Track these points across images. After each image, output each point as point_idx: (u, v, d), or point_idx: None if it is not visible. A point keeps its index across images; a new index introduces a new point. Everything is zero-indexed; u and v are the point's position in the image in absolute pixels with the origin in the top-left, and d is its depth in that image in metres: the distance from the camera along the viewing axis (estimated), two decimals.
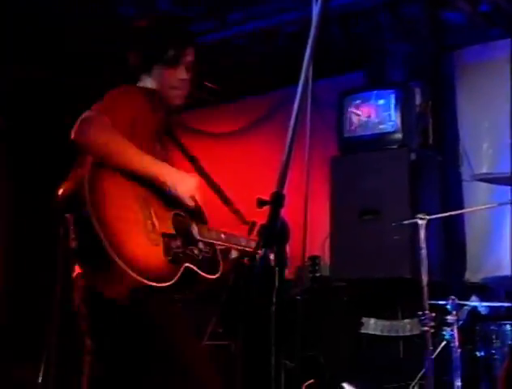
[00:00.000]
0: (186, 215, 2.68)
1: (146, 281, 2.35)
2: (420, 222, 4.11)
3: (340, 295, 5.34)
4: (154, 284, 2.38)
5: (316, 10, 1.98)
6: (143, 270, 2.37)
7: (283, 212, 1.88)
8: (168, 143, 2.85)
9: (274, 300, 1.84)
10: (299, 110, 1.99)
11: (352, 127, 5.55)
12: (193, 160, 2.95)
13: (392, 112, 5.39)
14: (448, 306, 4.05)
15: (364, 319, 5.25)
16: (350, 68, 6.08)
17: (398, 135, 5.40)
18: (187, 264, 2.56)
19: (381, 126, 5.46)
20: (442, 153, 5.76)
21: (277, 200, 1.81)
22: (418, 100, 5.61)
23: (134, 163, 2.50)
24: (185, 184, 2.62)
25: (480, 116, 5.80)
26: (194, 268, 2.58)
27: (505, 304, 4.44)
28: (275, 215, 1.80)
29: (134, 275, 2.33)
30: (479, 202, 5.22)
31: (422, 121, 5.68)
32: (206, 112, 6.97)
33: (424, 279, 4.00)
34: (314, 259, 5.47)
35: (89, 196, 2.35)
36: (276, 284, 1.87)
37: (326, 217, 5.56)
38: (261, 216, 1.91)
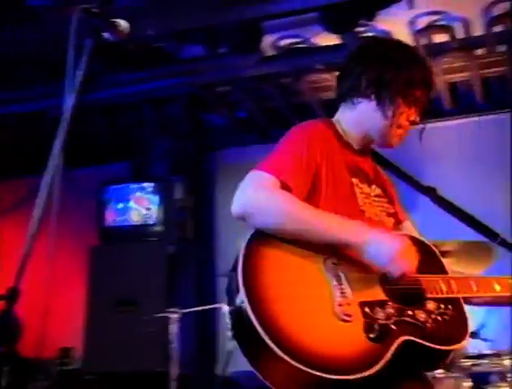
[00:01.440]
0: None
1: (325, 375, 1.75)
2: (172, 316, 4.15)
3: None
4: (339, 377, 1.77)
5: (69, 101, 1.98)
6: (320, 359, 1.78)
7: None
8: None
9: None
10: (45, 200, 1.94)
11: (113, 217, 5.55)
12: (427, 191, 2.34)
13: (152, 205, 5.49)
14: None
15: None
16: (114, 159, 6.13)
17: (158, 228, 5.49)
18: (405, 337, 1.90)
19: (141, 218, 5.52)
20: (200, 248, 5.94)
21: (11, 295, 1.73)
22: (179, 194, 5.79)
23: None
24: (383, 251, 1.96)
25: None
26: (416, 340, 1.92)
27: None
28: (7, 310, 1.71)
29: (305, 368, 1.74)
30: None
31: (182, 215, 5.84)
32: None
33: (174, 372, 4.01)
34: (65, 351, 5.25)
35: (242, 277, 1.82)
36: (5, 383, 1.76)
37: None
38: None
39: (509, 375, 3.57)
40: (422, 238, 2.15)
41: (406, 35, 4.80)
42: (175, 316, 4.16)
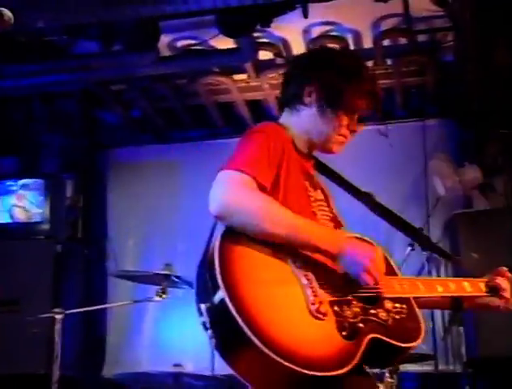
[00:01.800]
0: None
1: (307, 371, 1.78)
2: (57, 316, 4.05)
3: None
4: (319, 373, 1.81)
5: None
6: (302, 357, 1.81)
7: None
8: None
9: None
10: None
11: None
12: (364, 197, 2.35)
13: (41, 202, 5.34)
14: None
15: None
16: (3, 153, 5.92)
17: (46, 226, 5.35)
18: (372, 335, 1.96)
19: (29, 215, 5.37)
20: (90, 247, 5.83)
21: None
22: (69, 192, 5.68)
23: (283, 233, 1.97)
24: (357, 261, 2.02)
25: (128, 213, 6.05)
26: (383, 338, 1.97)
27: None
28: None
29: (289, 365, 1.77)
30: (122, 298, 5.31)
31: (72, 214, 5.73)
32: None
33: (56, 374, 3.92)
34: None
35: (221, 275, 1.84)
36: None
37: None
38: None
39: (387, 375, 3.71)
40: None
41: (300, 43, 4.92)
42: (59, 316, 4.05)
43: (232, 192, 2.00)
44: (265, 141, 2.11)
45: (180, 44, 4.91)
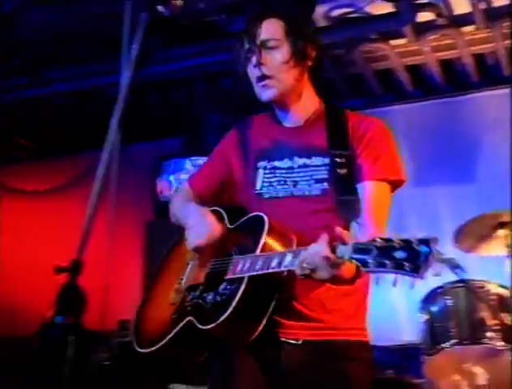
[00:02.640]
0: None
1: (136, 347, 2.21)
2: None
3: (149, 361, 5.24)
4: (138, 349, 2.19)
5: (126, 77, 1.99)
6: (142, 334, 2.25)
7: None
8: None
9: (66, 371, 1.77)
10: (103, 175, 1.96)
11: (168, 192, 5.60)
12: None
13: None
14: None
15: (173, 386, 5.18)
16: (168, 134, 6.18)
17: None
18: (189, 318, 2.09)
19: None
20: None
21: (75, 267, 1.78)
22: None
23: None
24: (192, 233, 2.18)
25: None
26: (194, 321, 2.08)
27: None
28: (72, 282, 1.76)
29: (133, 338, 2.24)
30: None
31: None
32: (18, 169, 6.72)
33: None
34: (124, 323, 5.35)
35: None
36: (71, 353, 1.80)
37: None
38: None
39: None
40: (259, 215, 2.11)
41: (462, 1, 4.68)
42: None
43: None
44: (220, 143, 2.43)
45: (336, 13, 4.84)
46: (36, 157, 6.58)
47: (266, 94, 2.20)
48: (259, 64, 2.18)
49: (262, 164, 2.26)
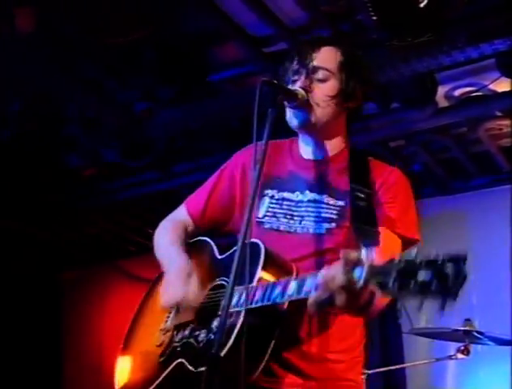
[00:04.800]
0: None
1: None
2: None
3: None
4: None
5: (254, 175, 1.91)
6: (128, 384, 2.12)
7: None
8: None
9: None
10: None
11: None
12: None
13: None
14: None
15: None
16: None
17: None
18: (180, 360, 1.93)
19: None
20: None
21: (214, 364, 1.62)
22: None
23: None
24: (166, 291, 2.08)
25: None
26: (185, 363, 1.91)
27: None
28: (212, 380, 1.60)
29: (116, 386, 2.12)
30: (417, 356, 5.21)
31: None
32: (146, 258, 6.96)
33: None
34: None
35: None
36: None
37: None
38: None
39: None
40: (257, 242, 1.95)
41: None
42: (363, 377, 4.07)
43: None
44: (219, 169, 2.34)
45: (458, 92, 4.80)
46: None
47: (299, 120, 2.14)
48: (306, 90, 2.10)
49: (269, 192, 2.17)
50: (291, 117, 2.16)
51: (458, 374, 5.39)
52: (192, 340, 1.93)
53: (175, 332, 2.02)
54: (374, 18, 3.71)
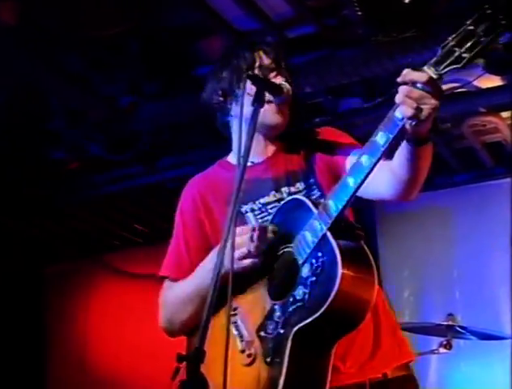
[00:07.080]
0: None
1: None
2: None
3: None
4: None
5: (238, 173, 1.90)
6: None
7: None
8: None
9: None
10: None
11: None
12: None
13: None
14: None
15: None
16: None
17: None
18: (294, 329, 1.85)
19: None
20: None
21: (196, 357, 1.67)
22: None
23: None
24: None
25: (400, 264, 5.97)
26: (304, 322, 1.84)
27: None
28: (194, 371, 1.66)
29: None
30: None
31: None
32: (132, 252, 6.96)
33: None
34: None
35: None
36: None
37: None
38: None
39: None
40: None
41: None
42: None
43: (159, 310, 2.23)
44: (176, 224, 2.31)
45: (442, 88, 4.81)
46: (152, 242, 6.79)
47: (285, 117, 2.22)
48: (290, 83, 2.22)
49: (245, 207, 2.15)
50: (273, 114, 2.18)
51: (441, 369, 5.43)
52: (293, 307, 1.88)
53: (261, 333, 1.94)
54: (360, 13, 3.74)
